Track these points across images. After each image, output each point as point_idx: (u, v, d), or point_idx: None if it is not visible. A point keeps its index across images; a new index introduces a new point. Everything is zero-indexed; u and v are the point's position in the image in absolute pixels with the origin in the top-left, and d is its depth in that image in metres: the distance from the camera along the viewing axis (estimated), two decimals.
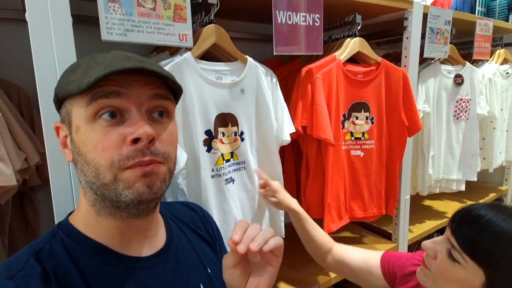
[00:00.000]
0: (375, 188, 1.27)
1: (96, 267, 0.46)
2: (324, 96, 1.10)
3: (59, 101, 0.48)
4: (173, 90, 0.51)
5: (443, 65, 1.56)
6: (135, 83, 0.45)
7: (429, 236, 1.80)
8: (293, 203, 0.96)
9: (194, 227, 0.63)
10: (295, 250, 1.39)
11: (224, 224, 0.89)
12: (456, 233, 0.60)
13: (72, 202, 0.67)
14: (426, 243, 0.66)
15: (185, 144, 0.82)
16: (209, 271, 0.58)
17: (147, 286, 0.48)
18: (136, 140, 0.43)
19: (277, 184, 0.97)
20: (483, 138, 1.88)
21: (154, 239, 0.53)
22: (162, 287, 0.50)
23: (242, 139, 0.95)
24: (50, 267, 0.43)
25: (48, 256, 0.45)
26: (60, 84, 0.47)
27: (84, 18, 0.89)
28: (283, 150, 1.33)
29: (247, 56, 0.95)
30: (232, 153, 0.94)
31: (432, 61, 1.55)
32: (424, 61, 1.58)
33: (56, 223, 0.52)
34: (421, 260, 0.81)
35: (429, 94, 1.54)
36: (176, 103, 0.55)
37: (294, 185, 1.30)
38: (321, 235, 0.95)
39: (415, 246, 1.85)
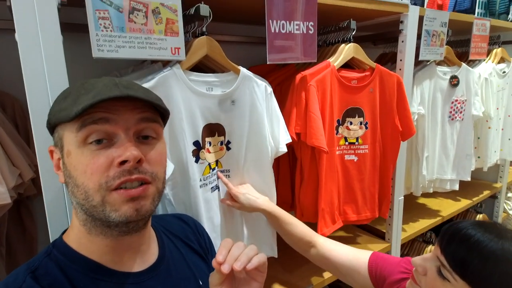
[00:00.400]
0: (368, 192, 1.29)
1: (89, 284, 0.47)
2: (318, 103, 1.11)
3: (52, 127, 0.50)
4: (161, 113, 0.54)
5: (438, 66, 1.56)
6: (122, 108, 0.47)
7: (423, 235, 1.84)
8: (261, 203, 0.96)
9: (186, 240, 0.64)
10: (288, 251, 1.42)
11: (212, 232, 0.91)
12: (446, 253, 0.62)
13: (66, 219, 0.68)
14: (416, 260, 0.68)
15: (171, 155, 0.82)
16: (201, 283, 0.60)
17: None
18: (123, 162, 0.46)
19: (240, 188, 0.96)
20: (478, 137, 1.89)
21: (146, 254, 0.55)
22: None
23: (228, 148, 0.96)
24: (46, 285, 0.45)
25: (44, 274, 0.46)
26: (52, 111, 0.50)
27: (75, 26, 0.89)
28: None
29: (240, 67, 0.95)
30: (217, 161, 0.95)
31: (428, 63, 1.55)
32: (420, 63, 1.57)
33: (51, 241, 0.54)
34: (407, 268, 0.83)
35: (424, 96, 1.54)
36: (164, 124, 0.57)
37: (289, 190, 1.32)
38: (299, 229, 0.96)
39: (408, 245, 1.88)
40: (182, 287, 0.57)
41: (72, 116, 0.44)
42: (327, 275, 1.26)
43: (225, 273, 0.49)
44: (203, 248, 0.67)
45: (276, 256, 1.09)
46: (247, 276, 0.55)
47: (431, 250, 1.74)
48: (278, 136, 1.02)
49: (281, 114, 1.04)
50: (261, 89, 0.98)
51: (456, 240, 0.62)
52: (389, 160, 1.31)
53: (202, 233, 0.70)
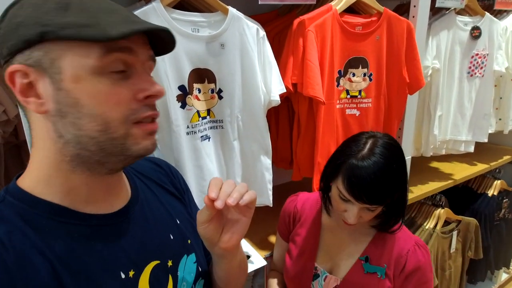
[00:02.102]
0: None
1: (57, 228, 0.43)
2: (316, 51, 1.04)
3: (33, 41, 0.40)
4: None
5: (459, 16, 1.42)
6: (138, 40, 0.44)
7: (432, 198, 1.77)
8: None
9: (159, 182, 0.62)
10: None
11: (201, 180, 0.90)
12: (371, 203, 0.73)
13: None
14: (352, 222, 0.77)
15: None
16: (178, 221, 0.58)
17: (115, 243, 0.47)
18: (148, 97, 0.44)
19: None
20: (500, 98, 1.75)
21: (119, 196, 0.52)
22: (131, 242, 0.49)
23: (220, 97, 0.92)
24: (3, 234, 0.40)
25: None
26: (44, 21, 0.40)
27: None
28: (277, 110, 1.29)
29: (229, 7, 0.89)
30: (208, 111, 0.92)
31: (447, 12, 1.41)
32: (437, 12, 1.44)
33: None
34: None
35: (440, 48, 1.42)
36: None
37: (289, 147, 1.28)
38: None
39: (415, 208, 1.82)
40: (159, 226, 0.54)
41: (109, 37, 0.39)
42: None
43: (218, 209, 0.49)
44: (178, 189, 0.65)
45: (271, 205, 1.07)
46: (235, 212, 0.54)
47: (439, 214, 1.69)
48: (270, 85, 0.97)
49: (274, 61, 0.99)
50: (252, 31, 0.92)
51: (370, 189, 0.72)
52: (394, 115, 1.23)
53: (176, 175, 0.67)
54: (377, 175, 0.70)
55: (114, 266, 0.46)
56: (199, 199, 0.93)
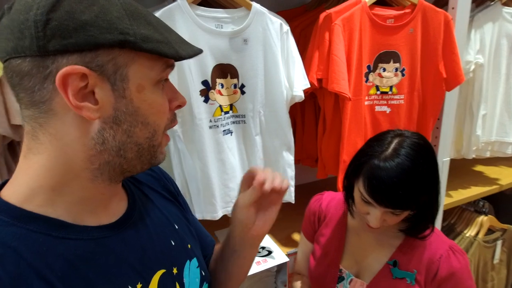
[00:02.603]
0: None
1: (55, 245, 0.39)
2: (343, 45, 1.01)
3: (105, 46, 0.37)
4: None
5: (505, 7, 1.31)
6: None
7: (474, 204, 1.65)
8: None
9: (152, 186, 0.59)
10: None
11: (223, 173, 0.91)
12: (394, 207, 0.69)
13: None
14: (375, 225, 0.73)
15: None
16: (176, 226, 0.56)
17: (119, 255, 0.44)
18: (179, 107, 0.47)
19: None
20: None
21: (118, 203, 0.49)
22: (135, 253, 0.46)
23: (243, 92, 0.93)
24: None
25: None
26: (123, 29, 0.38)
27: None
28: (303, 106, 1.28)
29: (252, 2, 0.89)
30: (231, 105, 0.93)
31: (492, 3, 1.31)
32: (481, 3, 1.34)
33: None
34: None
35: (484, 42, 1.32)
36: None
37: (315, 144, 1.26)
38: None
39: (456, 214, 1.70)
40: (159, 232, 0.52)
41: (181, 56, 0.42)
42: None
43: (265, 192, 0.53)
44: (171, 193, 0.62)
45: (293, 202, 1.06)
46: (268, 200, 0.58)
47: (482, 221, 1.56)
48: (293, 80, 0.96)
49: (298, 56, 0.97)
50: (276, 26, 0.92)
51: (391, 193, 0.67)
52: (429, 112, 1.16)
53: (168, 178, 0.65)
54: (400, 178, 0.66)
55: (121, 280, 0.43)
56: (221, 193, 0.95)
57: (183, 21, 0.81)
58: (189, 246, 0.56)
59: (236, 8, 0.89)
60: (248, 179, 0.56)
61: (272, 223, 0.59)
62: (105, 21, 0.37)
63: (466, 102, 1.42)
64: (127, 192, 0.51)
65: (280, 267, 1.25)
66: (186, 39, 0.71)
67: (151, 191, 0.57)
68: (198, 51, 0.44)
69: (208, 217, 0.94)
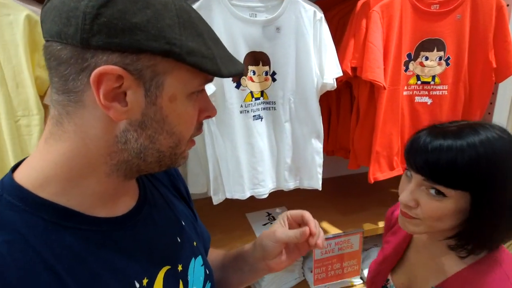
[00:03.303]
0: None
1: (63, 236, 0.38)
2: (381, 33, 0.98)
3: (148, 52, 0.36)
4: None
5: None
6: None
7: None
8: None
9: (164, 182, 0.59)
10: (344, 194, 1.38)
11: (251, 157, 0.96)
12: (429, 173, 0.57)
13: None
14: (402, 198, 0.61)
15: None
16: (183, 223, 0.56)
17: (127, 250, 0.44)
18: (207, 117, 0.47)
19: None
20: None
21: (129, 197, 0.48)
22: (142, 248, 0.46)
23: (274, 79, 0.96)
24: (1, 243, 0.34)
25: None
26: (171, 39, 0.37)
27: None
28: (339, 96, 1.27)
29: None
30: (262, 92, 0.97)
31: None
32: None
33: None
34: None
35: None
36: None
37: (348, 133, 1.24)
38: None
39: None
40: (167, 228, 0.52)
41: (222, 75, 0.41)
42: (381, 223, 1.19)
43: (309, 244, 0.58)
44: (179, 190, 0.62)
45: (320, 189, 1.08)
46: (298, 245, 0.61)
47: None
48: (324, 68, 0.96)
49: (332, 44, 0.98)
50: (309, 14, 0.93)
51: (431, 157, 0.56)
52: (476, 105, 1.09)
53: (179, 176, 0.64)
54: (443, 144, 0.55)
55: (128, 275, 0.42)
56: (249, 174, 1.00)
57: (219, 10, 0.86)
58: (194, 243, 0.56)
59: None
60: (297, 219, 0.60)
61: (287, 266, 0.62)
62: (155, 28, 0.36)
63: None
64: (139, 185, 0.51)
65: (307, 254, 1.28)
66: (220, 26, 0.77)
67: (163, 186, 0.57)
68: (240, 70, 0.44)
69: (236, 196, 1.00)
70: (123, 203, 0.46)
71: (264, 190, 1.02)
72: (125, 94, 0.37)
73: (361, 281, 1.28)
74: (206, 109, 0.45)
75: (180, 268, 0.50)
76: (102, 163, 0.40)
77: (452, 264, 0.64)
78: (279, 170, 1.04)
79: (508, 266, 0.60)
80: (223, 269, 0.66)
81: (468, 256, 0.61)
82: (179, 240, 0.52)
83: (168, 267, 0.48)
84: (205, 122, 0.95)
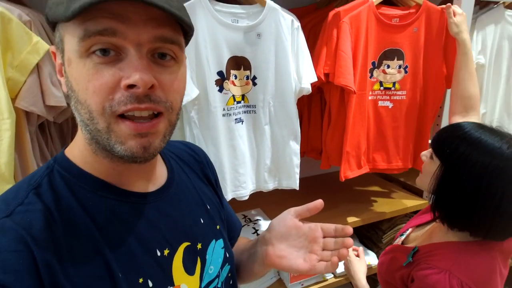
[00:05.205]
0: (402, 141, 1.24)
1: (99, 202, 0.43)
2: (350, 42, 1.07)
3: (51, 22, 0.40)
4: (183, 28, 0.43)
5: (508, 10, 1.36)
6: (134, 16, 0.37)
7: None
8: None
9: (193, 167, 0.61)
10: (314, 197, 1.45)
11: (233, 159, 0.98)
12: (434, 138, 0.78)
13: None
14: (422, 153, 0.84)
15: (197, 81, 0.89)
16: (208, 207, 0.58)
17: (152, 221, 0.47)
18: (131, 86, 0.37)
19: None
20: None
21: (154, 176, 0.51)
22: (166, 222, 0.49)
23: (255, 84, 0.99)
24: (51, 202, 0.40)
25: (48, 190, 0.41)
26: (49, 3, 0.39)
27: None
28: (310, 101, 1.34)
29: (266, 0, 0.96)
30: (243, 96, 0.99)
31: (495, 5, 1.36)
32: (485, 5, 1.39)
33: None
34: None
35: (486, 43, 1.37)
36: (186, 44, 0.47)
37: (319, 137, 1.32)
38: None
39: None
40: (192, 209, 0.54)
41: (69, 16, 0.34)
42: (351, 219, 1.27)
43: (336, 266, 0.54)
44: (208, 178, 0.64)
45: (298, 188, 1.13)
46: (308, 252, 0.56)
47: None
48: (302, 73, 1.02)
49: (307, 51, 1.04)
50: (287, 22, 0.98)
51: (445, 130, 0.77)
52: (429, 109, 1.22)
53: (210, 165, 0.67)
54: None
55: (151, 243, 0.46)
56: (231, 177, 1.02)
57: (203, 15, 0.87)
58: (218, 227, 0.57)
59: (251, 4, 0.95)
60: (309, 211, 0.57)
61: (288, 268, 0.56)
62: (48, 1, 0.39)
63: None
64: (168, 166, 0.54)
65: None
66: (204, 30, 0.74)
67: (191, 171, 0.59)
68: (88, 3, 0.34)
69: None
70: (150, 183, 0.49)
71: (245, 192, 1.04)
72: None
73: (332, 276, 1.35)
74: (126, 76, 0.37)
75: (199, 246, 0.52)
76: (85, 141, 0.43)
77: (440, 235, 0.78)
78: (259, 171, 1.07)
79: (463, 260, 0.71)
80: (242, 252, 0.67)
81: (447, 226, 0.74)
82: (202, 221, 0.55)
83: (188, 243, 0.50)
84: (187, 125, 0.96)
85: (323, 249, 0.55)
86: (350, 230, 0.54)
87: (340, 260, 0.53)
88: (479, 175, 0.65)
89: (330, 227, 0.55)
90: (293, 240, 0.56)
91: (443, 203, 0.73)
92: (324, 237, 0.55)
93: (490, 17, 1.35)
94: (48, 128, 0.93)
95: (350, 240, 0.54)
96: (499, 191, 0.65)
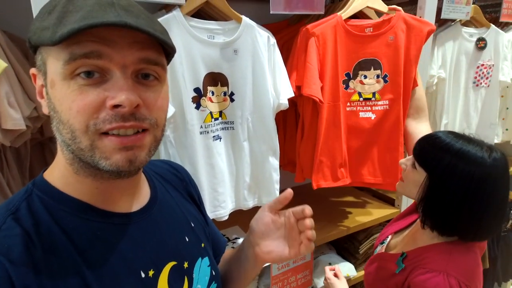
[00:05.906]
0: (389, 154, 1.21)
1: (81, 225, 0.43)
2: (316, 55, 1.07)
3: (33, 46, 0.42)
4: (165, 50, 0.45)
5: (464, 27, 1.46)
6: (120, 40, 0.39)
7: None
8: None
9: (175, 185, 0.62)
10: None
11: (212, 178, 0.95)
12: (415, 149, 0.80)
13: None
14: (401, 161, 0.86)
15: (173, 99, 0.85)
16: (192, 225, 0.59)
17: (136, 241, 0.47)
18: (117, 106, 0.39)
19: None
20: (507, 108, 1.77)
21: (138, 195, 0.51)
22: (151, 242, 0.49)
23: (232, 100, 0.98)
24: (30, 226, 0.40)
25: (27, 215, 0.41)
26: (33, 28, 0.40)
27: None
28: (285, 114, 1.34)
29: (242, 16, 0.95)
30: (220, 112, 0.97)
31: (453, 23, 1.45)
32: (444, 23, 1.48)
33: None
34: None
35: (446, 58, 1.46)
36: (168, 63, 0.48)
37: (295, 148, 1.31)
38: None
39: None
40: (176, 227, 0.55)
41: (56, 40, 0.36)
42: (329, 232, 1.27)
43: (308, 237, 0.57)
44: (191, 195, 0.65)
45: None
46: (290, 241, 0.59)
47: None
48: (279, 89, 1.02)
49: (284, 67, 1.04)
50: (264, 39, 0.98)
51: (424, 140, 0.79)
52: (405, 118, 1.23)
53: (192, 182, 0.68)
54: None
55: (135, 265, 0.46)
56: (209, 197, 0.98)
57: (178, 31, 0.84)
58: (202, 245, 0.58)
59: (227, 20, 0.94)
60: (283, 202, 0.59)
61: (276, 260, 0.60)
62: (34, 24, 0.41)
63: (430, 112, 1.55)
64: (151, 186, 0.55)
65: (263, 271, 1.29)
66: (179, 46, 0.71)
67: (174, 189, 0.60)
68: (82, 26, 0.36)
69: None
70: (133, 202, 0.49)
71: (225, 211, 1.01)
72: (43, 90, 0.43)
73: None
74: (112, 96, 0.39)
75: (186, 265, 0.53)
76: (65, 162, 0.44)
77: (425, 238, 0.80)
78: (238, 189, 1.04)
79: (455, 259, 0.74)
80: (228, 261, 0.68)
81: (436, 232, 0.76)
82: (187, 240, 0.55)
83: (174, 262, 0.51)
84: (162, 144, 0.91)
85: (300, 232, 0.58)
86: (307, 211, 0.57)
87: (309, 240, 0.57)
88: (466, 184, 0.69)
89: (298, 210, 0.58)
90: (274, 234, 0.59)
91: (432, 212, 0.75)
92: (297, 220, 0.58)
93: (448, 34, 1.44)
94: (3, 153, 0.85)
95: (310, 220, 0.57)
96: (485, 196, 0.69)
